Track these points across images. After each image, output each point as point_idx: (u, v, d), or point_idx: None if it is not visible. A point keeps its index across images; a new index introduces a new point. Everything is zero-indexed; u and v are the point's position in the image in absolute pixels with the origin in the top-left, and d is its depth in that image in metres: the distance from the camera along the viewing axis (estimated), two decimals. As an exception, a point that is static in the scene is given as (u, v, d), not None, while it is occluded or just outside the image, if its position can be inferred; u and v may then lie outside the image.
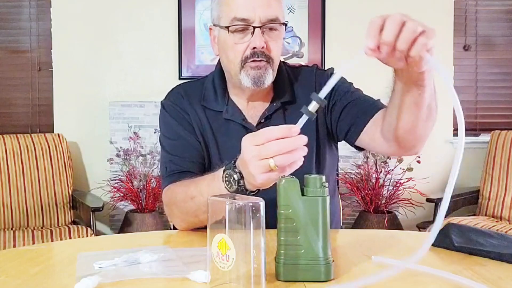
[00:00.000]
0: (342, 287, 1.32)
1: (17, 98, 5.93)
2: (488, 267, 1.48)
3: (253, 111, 2.20)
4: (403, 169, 5.45)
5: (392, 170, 5.35)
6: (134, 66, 5.83)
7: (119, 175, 5.59)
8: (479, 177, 5.46)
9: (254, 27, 1.98)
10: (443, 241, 1.68)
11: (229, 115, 2.17)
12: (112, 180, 5.59)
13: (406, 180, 5.43)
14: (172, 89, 2.35)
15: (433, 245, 1.70)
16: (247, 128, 2.15)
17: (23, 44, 5.92)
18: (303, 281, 1.33)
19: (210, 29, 2.17)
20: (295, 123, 2.16)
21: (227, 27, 2.01)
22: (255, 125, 2.16)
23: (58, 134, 5.46)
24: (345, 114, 2.14)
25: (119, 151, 5.58)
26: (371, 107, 2.09)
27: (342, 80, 2.22)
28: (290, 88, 2.22)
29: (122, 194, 5.49)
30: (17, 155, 5.20)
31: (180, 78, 5.71)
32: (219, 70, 2.24)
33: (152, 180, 5.47)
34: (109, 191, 5.56)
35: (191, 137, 2.17)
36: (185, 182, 1.97)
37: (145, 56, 5.83)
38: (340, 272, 1.41)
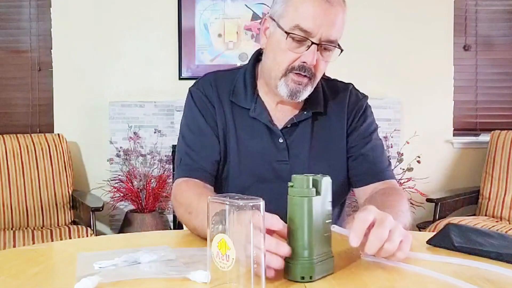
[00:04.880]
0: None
1: (17, 98, 5.94)
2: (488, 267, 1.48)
3: (280, 114, 2.18)
4: (403, 169, 5.46)
5: (392, 170, 5.35)
6: (134, 66, 5.83)
7: (119, 175, 5.60)
8: (479, 177, 5.46)
9: (312, 43, 1.95)
10: (443, 241, 1.68)
11: (256, 114, 2.15)
12: (112, 180, 5.59)
13: (406, 180, 5.44)
14: (203, 76, 2.29)
15: (433, 245, 1.70)
16: (272, 130, 2.15)
17: (23, 44, 5.93)
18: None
19: (265, 19, 2.12)
20: (322, 135, 2.20)
21: (287, 32, 1.96)
22: (280, 128, 2.16)
23: (58, 134, 5.46)
24: (353, 165, 2.23)
25: (119, 151, 5.58)
26: (376, 174, 2.21)
27: (369, 121, 2.28)
28: (323, 100, 2.22)
29: (122, 194, 5.49)
30: (17, 155, 5.20)
31: (180, 78, 5.71)
32: (252, 65, 2.23)
33: (152, 180, 5.47)
34: (109, 191, 5.56)
35: (211, 133, 2.16)
36: (193, 191, 1.98)
37: (145, 56, 5.83)
38: (339, 273, 1.41)
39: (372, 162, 2.21)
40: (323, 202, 1.37)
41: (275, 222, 1.35)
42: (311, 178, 1.36)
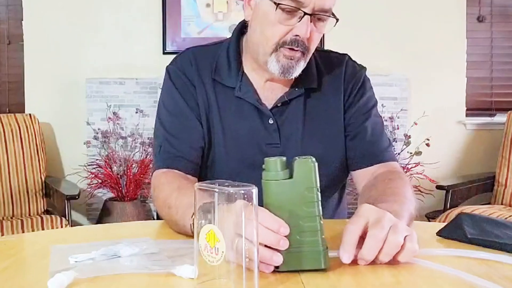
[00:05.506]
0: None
1: (-16, 74, 5.92)
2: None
3: (269, 92, 2.16)
4: (411, 153, 5.46)
5: (398, 154, 5.36)
6: (114, 40, 5.81)
7: (97, 159, 5.60)
8: (494, 162, 5.47)
9: (305, 13, 1.92)
10: (455, 232, 1.68)
11: (242, 93, 2.13)
12: (89, 165, 5.59)
13: (414, 165, 5.45)
14: (182, 52, 2.26)
15: (444, 237, 1.70)
16: (261, 111, 2.13)
17: (-10, 15, 5.91)
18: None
19: None
20: (316, 113, 2.19)
21: (276, 3, 1.92)
22: (270, 108, 2.14)
23: (30, 115, 5.44)
24: (349, 144, 2.22)
25: (97, 133, 5.58)
26: (375, 155, 2.19)
27: (368, 96, 2.27)
28: (316, 75, 2.20)
29: (100, 181, 5.49)
30: (-16, 137, 5.19)
31: (164, 53, 5.70)
32: (236, 39, 2.20)
33: (134, 165, 5.47)
34: (86, 177, 5.56)
35: (193, 116, 2.14)
36: (173, 184, 1.96)
37: (126, 28, 5.82)
38: (340, 268, 1.41)
39: (371, 141, 2.20)
40: (297, 186, 1.37)
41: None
42: (282, 160, 1.38)
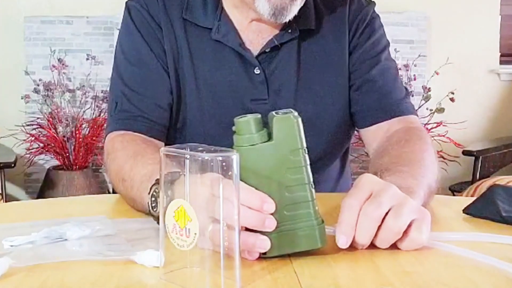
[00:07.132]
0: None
1: None
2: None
3: (256, 34, 2.15)
4: (431, 110, 5.47)
5: (411, 102, 5.34)
6: (58, -33, 5.79)
7: (37, 118, 5.58)
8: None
9: None
10: (487, 209, 1.68)
11: (221, 35, 2.12)
12: (28, 125, 5.57)
13: (435, 125, 5.46)
14: None
15: (472, 215, 1.70)
16: (244, 58, 2.12)
17: None
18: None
19: None
20: (314, 60, 2.17)
21: None
22: (256, 54, 2.13)
23: (-47, 62, 5.44)
24: (355, 96, 2.20)
25: (38, 85, 5.55)
26: (388, 108, 2.17)
27: (378, 36, 2.25)
28: (314, 13, 2.18)
29: (42, 145, 5.49)
30: None
31: (122, -16, 5.68)
32: None
33: (84, 125, 5.46)
34: (24, 140, 5.55)
35: (158, 65, 2.12)
36: (129, 150, 1.94)
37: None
38: (342, 252, 1.41)
39: (382, 91, 2.18)
40: (278, 150, 1.35)
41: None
42: (256, 118, 1.35)
